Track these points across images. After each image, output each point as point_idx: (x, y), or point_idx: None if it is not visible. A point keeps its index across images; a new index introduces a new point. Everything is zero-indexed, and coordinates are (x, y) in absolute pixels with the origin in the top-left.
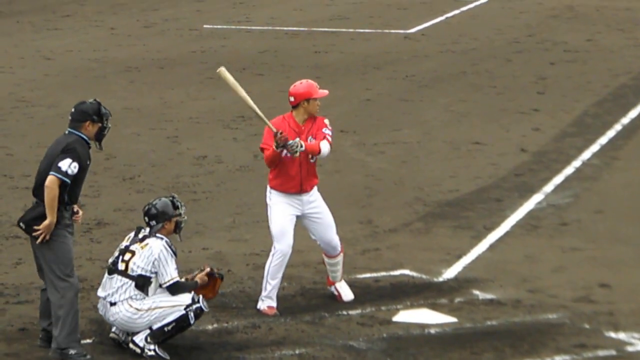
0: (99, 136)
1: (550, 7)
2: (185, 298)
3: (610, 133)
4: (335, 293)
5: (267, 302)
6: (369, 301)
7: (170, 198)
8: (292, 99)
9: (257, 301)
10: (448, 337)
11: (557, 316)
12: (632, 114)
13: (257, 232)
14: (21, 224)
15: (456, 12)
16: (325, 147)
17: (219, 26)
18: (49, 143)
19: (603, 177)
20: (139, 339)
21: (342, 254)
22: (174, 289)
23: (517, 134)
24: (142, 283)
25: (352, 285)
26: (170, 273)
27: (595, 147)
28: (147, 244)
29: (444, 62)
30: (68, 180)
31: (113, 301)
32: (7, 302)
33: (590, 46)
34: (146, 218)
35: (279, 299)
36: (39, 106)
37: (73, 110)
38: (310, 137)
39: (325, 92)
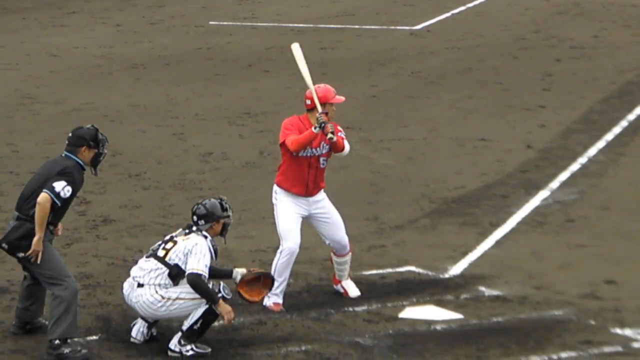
0: (95, 162)
1: (556, 4)
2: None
3: (616, 129)
4: (342, 290)
5: (273, 298)
6: (375, 298)
7: (219, 200)
8: (308, 102)
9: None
10: (454, 334)
11: (563, 312)
12: (638, 111)
13: (263, 229)
14: (4, 244)
15: (462, 8)
16: (347, 146)
17: (224, 23)
18: (55, 140)
19: (609, 174)
20: (173, 344)
21: (350, 253)
22: (194, 279)
23: (523, 130)
24: (176, 273)
25: (358, 281)
26: (197, 265)
27: (601, 144)
28: (189, 238)
29: (450, 59)
30: (59, 203)
31: (142, 282)
32: (13, 298)
33: (596, 42)
34: (194, 217)
35: (285, 295)
36: (45, 103)
37: (70, 134)
38: (322, 143)
39: (342, 98)
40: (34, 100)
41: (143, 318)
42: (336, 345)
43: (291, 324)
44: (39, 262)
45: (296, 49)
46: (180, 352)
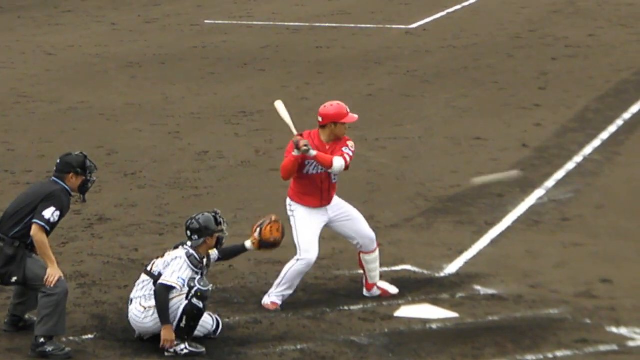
0: (83, 189)
1: (552, 2)
2: (179, 287)
3: (612, 128)
4: (378, 292)
5: (272, 298)
6: (371, 296)
7: (213, 214)
8: (320, 119)
9: (259, 296)
10: (449, 333)
11: (558, 311)
12: (633, 109)
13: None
14: None
15: (457, 7)
16: (337, 162)
17: (220, 21)
18: (50, 138)
19: (604, 173)
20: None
21: (378, 249)
22: (159, 289)
23: (518, 129)
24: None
25: (354, 280)
26: (170, 277)
27: (596, 143)
28: (174, 251)
29: (446, 58)
30: (49, 229)
31: (132, 298)
32: (8, 297)
33: (592, 41)
34: (188, 232)
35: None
36: (41, 101)
37: (59, 160)
38: (312, 166)
39: (355, 117)
40: (29, 99)
41: None
42: (332, 344)
43: (287, 322)
44: (53, 286)
45: (279, 105)
46: (175, 352)
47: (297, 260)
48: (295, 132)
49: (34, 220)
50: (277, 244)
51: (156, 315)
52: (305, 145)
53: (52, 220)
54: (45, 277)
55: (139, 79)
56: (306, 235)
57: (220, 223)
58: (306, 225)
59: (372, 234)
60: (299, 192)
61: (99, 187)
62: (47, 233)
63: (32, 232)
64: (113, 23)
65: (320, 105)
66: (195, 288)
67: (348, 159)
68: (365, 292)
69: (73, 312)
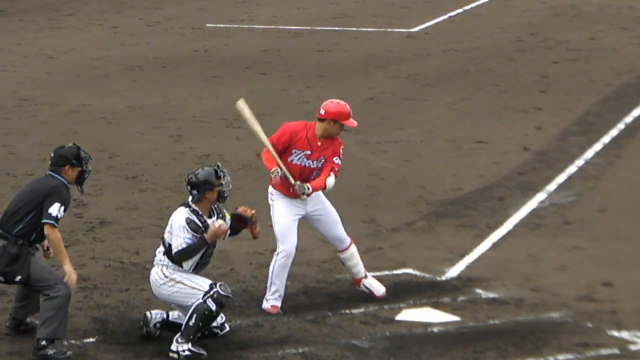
0: (79, 180)
1: (553, 6)
2: (204, 284)
3: (613, 132)
4: (367, 291)
5: (271, 302)
6: (372, 300)
7: (214, 167)
8: (322, 112)
9: (260, 300)
10: (451, 336)
11: (559, 315)
12: (635, 113)
13: (260, 231)
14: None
15: (459, 11)
16: (330, 182)
17: (221, 25)
18: (52, 142)
19: (606, 176)
20: (173, 345)
21: (353, 245)
22: (177, 257)
23: (520, 132)
24: (169, 250)
25: (354, 283)
26: (177, 244)
27: (598, 146)
28: (176, 213)
29: (447, 61)
30: (58, 225)
31: (154, 263)
32: (9, 300)
33: (593, 45)
34: (188, 187)
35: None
36: (42, 105)
37: (52, 154)
38: (321, 157)
39: (354, 123)
40: (30, 102)
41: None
42: (333, 347)
43: (288, 326)
44: (73, 286)
45: (241, 106)
46: (178, 352)
47: (277, 254)
48: (266, 141)
49: (44, 221)
50: (245, 220)
51: (174, 287)
52: (305, 189)
53: (59, 216)
54: (64, 277)
55: (141, 82)
56: (282, 225)
57: (220, 177)
58: (283, 216)
59: (342, 235)
60: (280, 183)
61: (100, 191)
62: (40, 228)
63: (45, 232)
64: (114, 26)
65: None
66: (215, 290)
67: (337, 170)
68: (357, 287)
69: (74, 315)
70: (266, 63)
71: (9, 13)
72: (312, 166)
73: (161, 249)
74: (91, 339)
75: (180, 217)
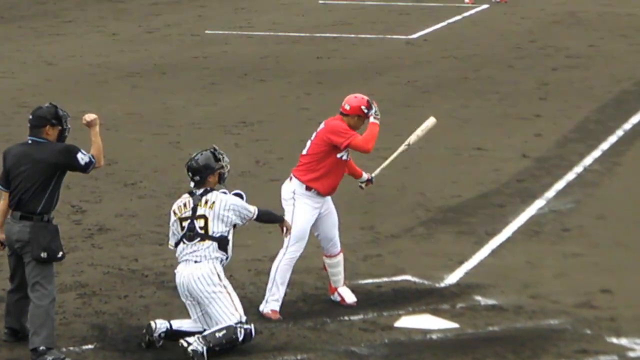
0: (60, 139)
1: (552, 13)
2: (241, 311)
3: (612, 139)
4: (338, 298)
5: (271, 304)
6: (371, 307)
7: (212, 150)
8: (347, 107)
9: (258, 306)
10: (450, 343)
11: (558, 322)
12: (634, 120)
13: (259, 238)
14: (43, 254)
15: (458, 17)
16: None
17: (220, 32)
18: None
19: (605, 183)
20: (191, 339)
21: (341, 254)
22: (262, 215)
23: (519, 139)
24: (225, 243)
25: (354, 291)
26: (249, 207)
27: (597, 153)
28: (214, 202)
29: (446, 68)
30: (94, 159)
31: (198, 259)
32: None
33: (592, 52)
34: (190, 173)
35: (281, 304)
36: None
37: (31, 117)
38: (346, 151)
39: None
40: (30, 108)
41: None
42: (332, 354)
43: (287, 333)
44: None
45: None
46: (190, 344)
47: (285, 252)
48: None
49: (89, 171)
50: None
51: (221, 294)
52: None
53: (86, 159)
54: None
55: (140, 88)
56: (301, 229)
57: (219, 159)
58: (304, 220)
59: (336, 240)
60: (325, 180)
61: (99, 197)
62: (91, 162)
63: (92, 154)
64: (114, 33)
65: (322, 114)
66: (249, 327)
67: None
68: (331, 296)
69: (73, 322)
70: (265, 70)
71: (8, 20)
72: (347, 159)
73: (202, 246)
74: (90, 346)
75: (226, 196)
